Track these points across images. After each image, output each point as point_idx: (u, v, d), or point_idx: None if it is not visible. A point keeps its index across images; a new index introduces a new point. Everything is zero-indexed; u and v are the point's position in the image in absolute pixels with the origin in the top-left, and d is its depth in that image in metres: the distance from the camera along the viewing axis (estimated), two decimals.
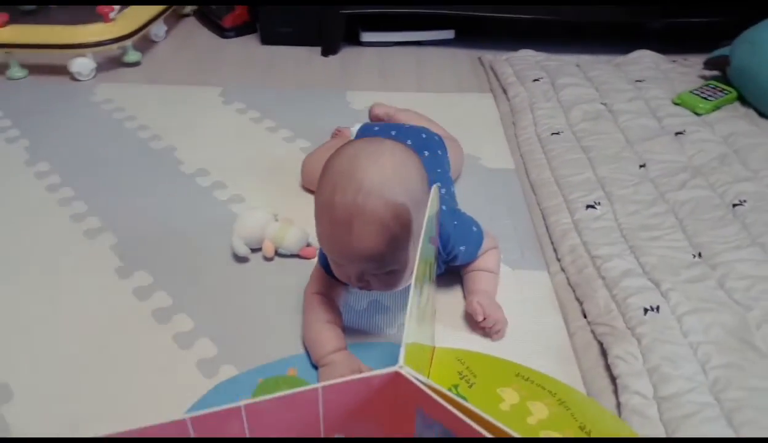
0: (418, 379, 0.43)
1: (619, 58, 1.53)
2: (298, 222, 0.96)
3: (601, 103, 1.33)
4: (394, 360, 0.77)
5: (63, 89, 1.47)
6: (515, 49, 1.60)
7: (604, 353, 0.79)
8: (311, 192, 1.10)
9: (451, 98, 1.44)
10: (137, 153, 1.23)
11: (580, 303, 0.87)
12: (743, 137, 1.21)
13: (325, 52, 1.66)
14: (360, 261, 0.68)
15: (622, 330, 0.80)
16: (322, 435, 0.47)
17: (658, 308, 0.82)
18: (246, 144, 1.25)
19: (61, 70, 1.51)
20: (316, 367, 0.76)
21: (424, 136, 1.02)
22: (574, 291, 0.89)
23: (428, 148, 0.99)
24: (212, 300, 0.88)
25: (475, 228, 0.86)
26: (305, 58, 1.66)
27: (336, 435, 0.47)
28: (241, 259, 0.95)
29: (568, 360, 0.80)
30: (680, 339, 0.78)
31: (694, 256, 0.92)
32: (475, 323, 0.81)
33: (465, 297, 0.87)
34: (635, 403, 0.71)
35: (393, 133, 1.01)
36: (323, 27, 1.64)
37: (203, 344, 0.81)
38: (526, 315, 0.85)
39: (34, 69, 1.54)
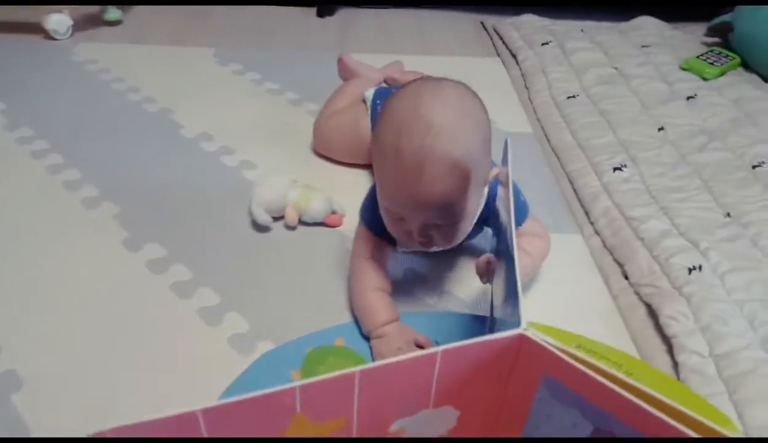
0: (547, 343, 0.39)
1: (623, 24, 1.52)
2: (319, 187, 0.91)
3: (613, 67, 1.31)
4: (445, 330, 0.75)
5: (39, 48, 1.36)
6: (514, 13, 1.56)
7: (651, 314, 0.78)
8: (324, 157, 1.05)
9: (458, 62, 1.40)
10: (129, 116, 1.15)
11: (620, 266, 0.85)
12: (752, 102, 1.21)
13: (321, 13, 1.59)
14: (429, 208, 0.63)
15: (668, 290, 0.79)
16: (431, 406, 0.43)
17: (700, 267, 0.81)
18: (250, 107, 1.19)
19: (36, 29, 1.39)
20: (365, 337, 0.72)
21: None
22: (611, 253, 0.87)
23: None
24: (236, 272, 0.82)
25: (522, 198, 0.81)
26: (300, 18, 1.58)
27: (445, 406, 0.44)
28: (262, 228, 0.89)
29: (614, 323, 0.78)
30: (725, 297, 0.77)
31: (725, 216, 0.91)
32: None
33: None
34: (694, 363, 0.70)
35: None
36: None
37: (233, 319, 0.75)
38: (566, 281, 0.83)
39: (5, 27, 1.42)
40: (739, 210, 0.92)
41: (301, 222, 0.90)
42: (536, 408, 0.43)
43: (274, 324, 0.74)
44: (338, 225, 0.91)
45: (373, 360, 0.70)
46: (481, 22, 1.61)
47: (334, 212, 0.91)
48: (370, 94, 1.01)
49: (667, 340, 0.74)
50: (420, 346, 0.71)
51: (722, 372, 0.69)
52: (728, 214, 0.92)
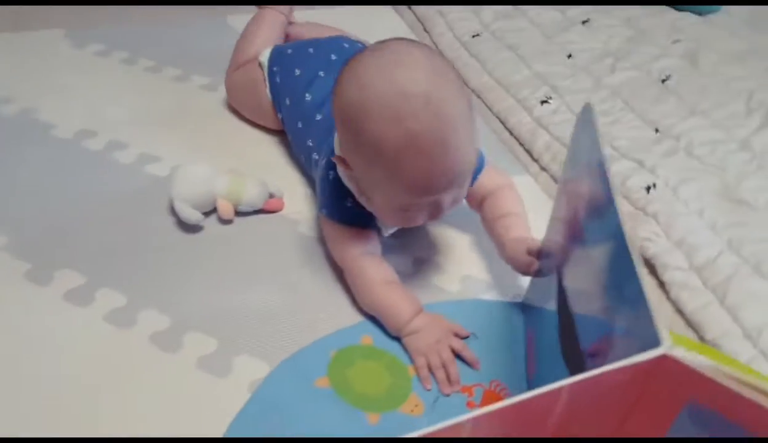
0: (700, 365, 0.31)
1: None
2: (244, 171, 0.79)
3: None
4: (475, 318, 0.68)
5: None
6: None
7: None
8: (244, 120, 0.94)
9: (350, 11, 1.29)
10: None
11: None
12: (641, 19, 1.26)
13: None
14: (457, 178, 0.57)
15: (633, 212, 0.79)
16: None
17: (654, 185, 0.82)
18: (127, 91, 1.01)
19: None
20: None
21: (346, 45, 0.88)
22: None
23: None
24: (178, 286, 0.69)
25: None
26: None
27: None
28: (192, 228, 0.76)
29: None
30: (685, 209, 0.79)
31: (655, 132, 0.93)
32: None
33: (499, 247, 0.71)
34: (679, 278, 0.70)
35: (310, 49, 0.87)
36: None
37: (198, 340, 0.63)
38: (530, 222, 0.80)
39: None
40: (664, 124, 0.95)
41: (237, 213, 0.78)
42: (673, 428, 0.36)
43: (241, 334, 0.64)
44: (280, 209, 0.80)
45: (411, 358, 0.62)
46: None
47: (271, 196, 0.80)
48: (265, 58, 0.89)
49: (645, 263, 0.74)
50: (457, 335, 0.64)
51: (707, 283, 0.70)
52: (657, 130, 0.94)
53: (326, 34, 0.95)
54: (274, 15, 0.97)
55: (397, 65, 0.55)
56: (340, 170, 0.65)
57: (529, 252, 0.63)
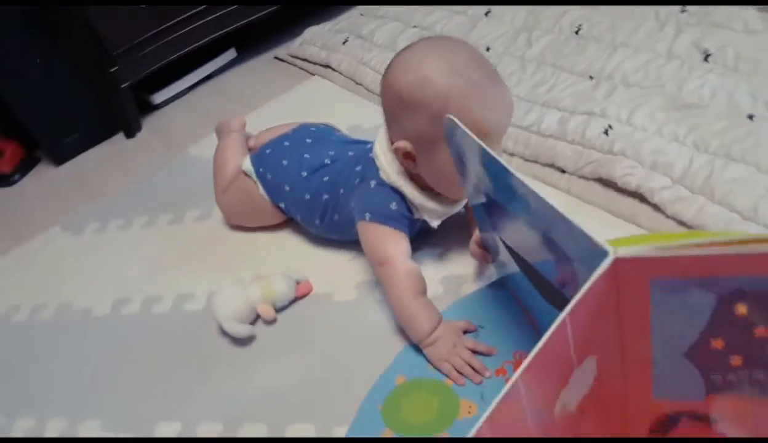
0: (641, 252, 0.41)
1: None
2: (267, 273, 0.88)
3: (412, 27, 1.40)
4: (477, 310, 0.76)
5: None
6: (286, 39, 1.61)
7: (605, 183, 0.86)
8: (246, 230, 1.03)
9: (287, 98, 1.40)
10: None
11: (551, 166, 0.93)
12: None
13: (129, 133, 1.50)
14: (509, 120, 0.71)
15: (603, 157, 0.87)
16: (575, 367, 0.45)
17: (610, 126, 0.90)
18: (136, 251, 1.10)
19: None
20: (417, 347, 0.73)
21: (312, 129, 1.01)
22: (537, 162, 0.95)
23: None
24: (256, 395, 0.77)
25: None
26: (113, 152, 1.49)
27: (586, 359, 0.45)
28: (245, 341, 0.84)
29: (584, 210, 0.85)
30: (644, 134, 0.88)
31: (590, 79, 1.03)
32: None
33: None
34: (668, 195, 0.79)
35: (286, 143, 0.97)
36: (114, 110, 1.48)
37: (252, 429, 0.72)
38: None
39: None
40: (595, 69, 1.04)
41: (277, 311, 0.86)
42: (655, 316, 0.45)
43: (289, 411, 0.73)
44: (311, 291, 0.88)
45: (436, 367, 0.71)
46: (275, 57, 1.63)
47: (298, 282, 0.88)
48: (247, 165, 0.98)
49: (634, 195, 0.82)
50: (467, 331, 0.73)
51: (693, 188, 0.78)
52: (591, 77, 1.03)
53: (284, 130, 1.04)
54: (233, 138, 1.07)
55: (436, 44, 0.70)
56: (392, 165, 0.75)
57: (478, 246, 0.75)
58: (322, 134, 0.98)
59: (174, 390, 0.82)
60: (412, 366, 0.72)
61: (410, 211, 0.78)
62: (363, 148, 0.87)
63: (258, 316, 0.86)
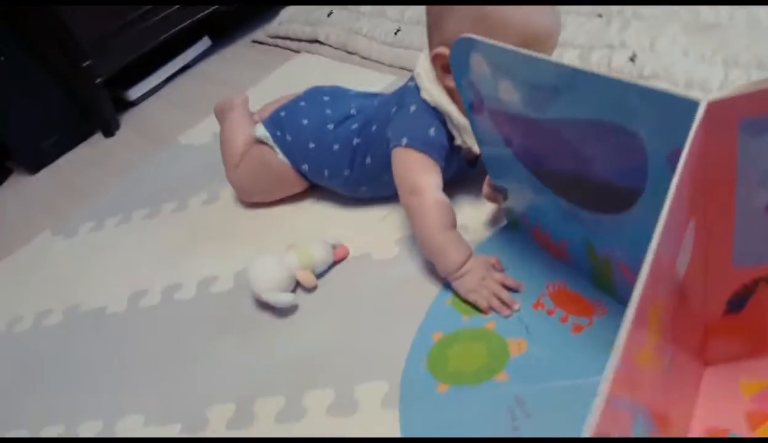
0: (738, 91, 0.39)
1: None
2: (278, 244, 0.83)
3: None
4: (498, 253, 0.75)
5: None
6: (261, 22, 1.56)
7: None
8: (261, 206, 0.97)
9: (279, 77, 1.34)
10: None
11: None
12: None
13: (107, 132, 1.42)
14: (558, 33, 0.69)
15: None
16: (686, 232, 0.42)
17: (634, 54, 0.89)
18: (144, 243, 1.02)
19: None
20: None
21: (326, 88, 0.96)
22: None
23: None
24: (305, 359, 0.72)
25: None
26: (93, 153, 1.40)
27: (689, 222, 0.43)
28: (288, 311, 0.78)
29: None
30: (671, 58, 0.87)
31: (599, 17, 1.01)
32: None
33: None
34: None
35: (302, 103, 0.92)
36: (90, 110, 1.40)
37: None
38: None
39: None
40: (601, 8, 1.03)
41: (317, 277, 0.81)
42: (741, 165, 0.43)
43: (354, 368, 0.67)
44: (348, 254, 0.83)
45: (463, 297, 0.69)
46: (252, 41, 1.57)
47: (334, 247, 0.83)
48: (262, 132, 0.92)
49: None
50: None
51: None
52: (599, 15, 1.02)
53: (290, 97, 0.99)
54: (237, 113, 1.01)
55: None
56: (435, 85, 0.73)
57: (489, 186, 0.74)
58: (338, 92, 0.94)
59: (217, 369, 0.75)
60: (445, 320, 0.69)
61: (449, 140, 0.74)
62: (392, 93, 0.83)
63: (297, 284, 0.80)
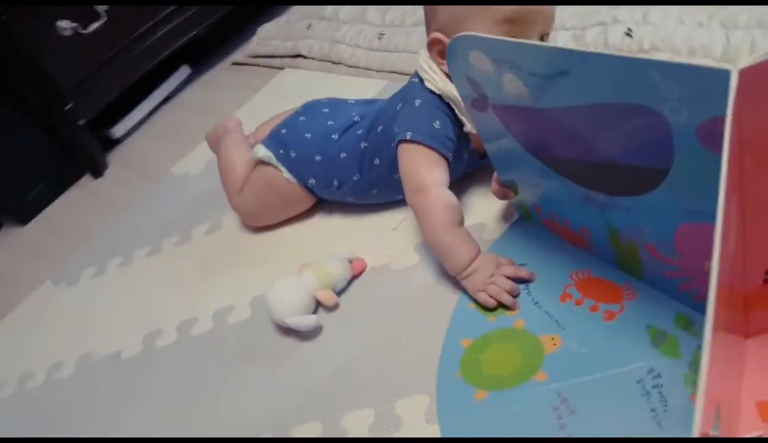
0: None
1: None
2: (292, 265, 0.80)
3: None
4: (514, 251, 0.71)
5: None
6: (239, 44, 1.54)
7: None
8: (268, 229, 0.94)
9: (262, 96, 1.32)
10: None
11: None
12: None
13: (96, 173, 1.38)
14: (550, 9, 0.69)
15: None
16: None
17: (630, 29, 0.88)
18: (151, 281, 0.99)
19: None
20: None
21: (324, 100, 0.95)
22: None
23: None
24: (334, 379, 0.69)
25: None
26: (84, 196, 1.36)
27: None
28: (314, 332, 0.75)
29: None
30: (668, 28, 0.85)
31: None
32: None
33: None
34: None
35: (302, 118, 0.91)
36: (76, 152, 1.36)
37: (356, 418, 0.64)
38: None
39: None
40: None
41: (338, 294, 0.78)
42: None
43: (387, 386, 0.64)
44: (366, 267, 0.81)
45: (472, 296, 0.68)
46: (232, 63, 1.55)
47: (351, 261, 0.81)
48: (264, 152, 0.89)
49: None
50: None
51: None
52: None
53: (286, 115, 0.96)
54: (233, 138, 0.99)
55: None
56: (439, 73, 0.72)
57: (497, 183, 0.71)
58: (337, 102, 0.92)
59: (245, 402, 0.72)
60: (471, 324, 0.67)
61: (456, 131, 0.73)
62: (396, 92, 0.81)
63: (318, 304, 0.78)
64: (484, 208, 0.77)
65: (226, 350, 0.80)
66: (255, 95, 1.33)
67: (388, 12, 1.24)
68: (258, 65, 1.46)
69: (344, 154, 0.83)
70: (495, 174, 0.72)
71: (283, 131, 0.90)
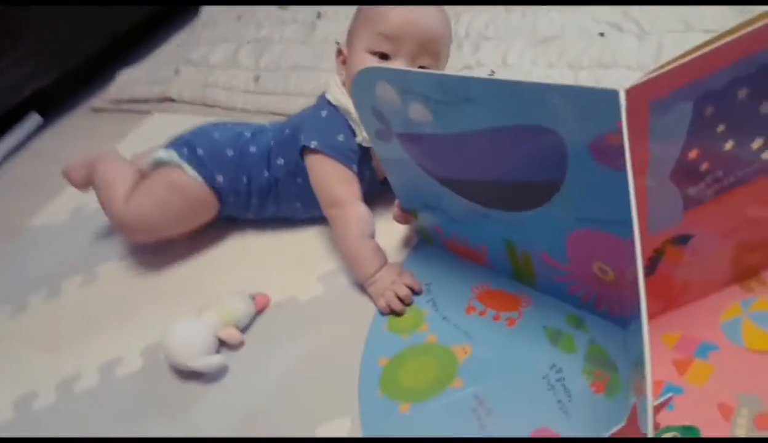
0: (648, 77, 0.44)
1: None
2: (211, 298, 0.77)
3: (247, 42, 1.36)
4: (420, 270, 0.77)
5: None
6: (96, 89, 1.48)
7: None
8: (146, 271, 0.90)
9: (131, 141, 1.25)
10: None
11: None
12: None
13: None
14: (425, 34, 0.74)
15: None
16: None
17: (492, 71, 0.98)
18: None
19: None
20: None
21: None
22: None
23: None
24: (249, 418, 0.67)
25: None
26: None
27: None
28: (219, 374, 0.72)
29: None
30: (523, 69, 0.97)
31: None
32: None
33: None
34: None
35: (216, 135, 0.87)
36: None
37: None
38: None
39: None
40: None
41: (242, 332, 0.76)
42: (652, 144, 0.48)
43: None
44: (268, 301, 0.79)
45: (374, 302, 0.73)
46: (93, 109, 1.46)
47: (253, 297, 0.79)
48: (164, 154, 0.85)
49: None
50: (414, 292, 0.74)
51: None
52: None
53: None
54: (111, 158, 0.94)
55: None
56: (339, 86, 0.79)
57: (399, 208, 0.76)
58: (231, 124, 0.92)
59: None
60: (386, 344, 0.69)
61: (357, 143, 0.77)
62: (305, 108, 0.86)
63: (221, 344, 0.75)
64: (386, 233, 0.80)
65: (119, 404, 0.74)
66: (124, 139, 1.26)
67: (262, 56, 1.26)
68: (121, 111, 1.39)
69: (254, 149, 0.84)
70: (396, 200, 0.76)
71: (187, 136, 0.87)
